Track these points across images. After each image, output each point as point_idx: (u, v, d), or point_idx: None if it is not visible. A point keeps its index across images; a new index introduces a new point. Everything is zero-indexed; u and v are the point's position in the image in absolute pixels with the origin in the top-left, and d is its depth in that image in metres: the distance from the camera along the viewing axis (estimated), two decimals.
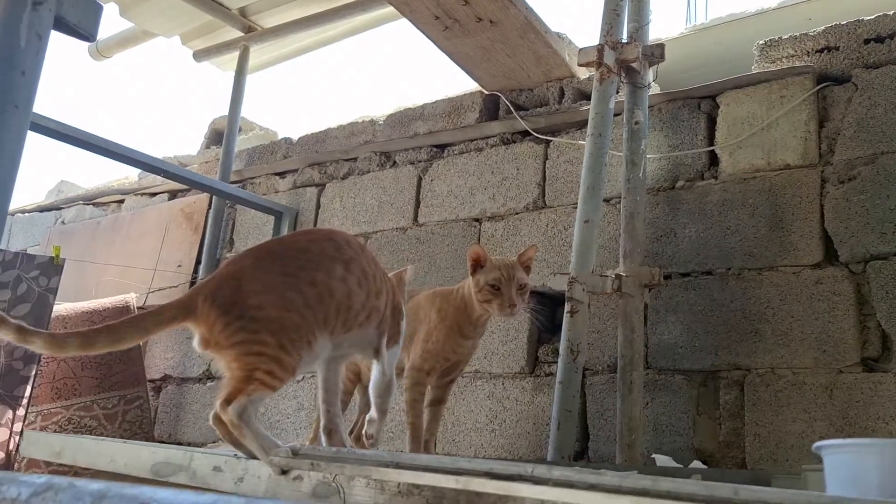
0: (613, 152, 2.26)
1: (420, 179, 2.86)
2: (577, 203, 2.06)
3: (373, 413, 1.44)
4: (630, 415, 1.95)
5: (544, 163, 2.56)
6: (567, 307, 1.92)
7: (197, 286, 1.19)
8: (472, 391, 2.45)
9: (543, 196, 2.53)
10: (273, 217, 3.20)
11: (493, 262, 1.74)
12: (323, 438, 1.35)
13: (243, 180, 3.47)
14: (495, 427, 2.36)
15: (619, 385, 2.00)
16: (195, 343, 1.18)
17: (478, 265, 1.75)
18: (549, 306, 2.41)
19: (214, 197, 3.37)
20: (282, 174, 3.35)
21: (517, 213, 2.56)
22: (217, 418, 1.18)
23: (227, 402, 1.12)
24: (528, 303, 1.77)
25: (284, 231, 3.13)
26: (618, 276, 2.01)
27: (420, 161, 2.89)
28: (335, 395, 1.39)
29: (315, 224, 3.12)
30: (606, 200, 2.31)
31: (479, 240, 2.59)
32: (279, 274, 1.19)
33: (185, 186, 3.53)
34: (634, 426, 1.95)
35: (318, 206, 3.14)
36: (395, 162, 2.97)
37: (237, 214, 3.42)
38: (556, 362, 1.98)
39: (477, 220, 2.66)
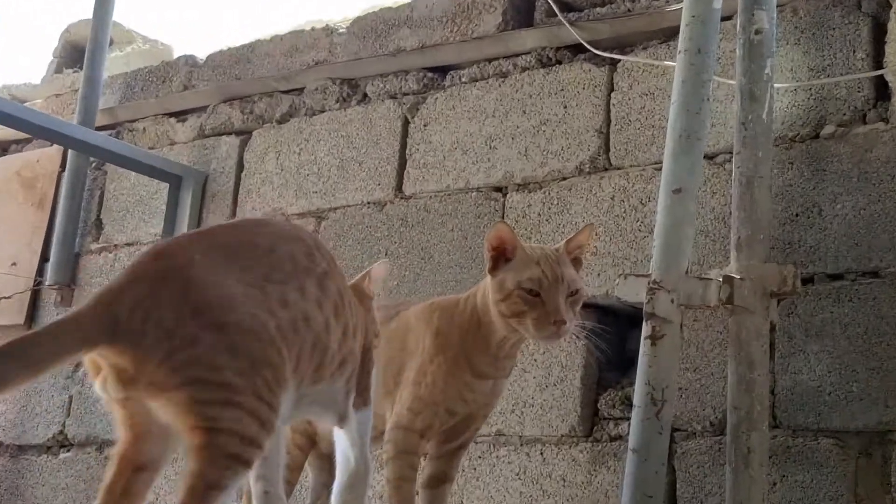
0: (720, 79, 2.28)
1: (406, 123, 2.87)
2: (660, 162, 2.08)
3: None
4: (748, 500, 1.96)
5: (608, 96, 2.58)
6: (646, 330, 1.94)
7: (108, 292, 1.18)
8: (492, 464, 2.47)
9: (607, 150, 2.55)
10: (168, 185, 3.21)
11: (528, 251, 1.76)
12: None
13: (118, 124, 3.48)
14: None
15: (729, 454, 2.01)
16: (100, 384, 1.17)
17: (502, 257, 1.76)
18: (615, 327, 2.43)
19: (70, 152, 3.38)
20: (181, 115, 3.37)
21: (564, 178, 2.58)
22: None
23: None
24: (583, 320, 1.78)
25: (186, 208, 3.14)
26: (728, 280, 2.01)
27: (407, 94, 2.90)
28: (275, 471, 1.41)
29: (235, 197, 3.14)
30: (709, 158, 2.33)
31: (503, 219, 2.58)
32: (238, 281, 1.20)
33: (22, 134, 3.53)
34: None
35: (239, 166, 3.16)
36: (365, 95, 2.99)
37: (108, 181, 3.43)
38: (628, 418, 2.01)
39: (499, 189, 2.68)
